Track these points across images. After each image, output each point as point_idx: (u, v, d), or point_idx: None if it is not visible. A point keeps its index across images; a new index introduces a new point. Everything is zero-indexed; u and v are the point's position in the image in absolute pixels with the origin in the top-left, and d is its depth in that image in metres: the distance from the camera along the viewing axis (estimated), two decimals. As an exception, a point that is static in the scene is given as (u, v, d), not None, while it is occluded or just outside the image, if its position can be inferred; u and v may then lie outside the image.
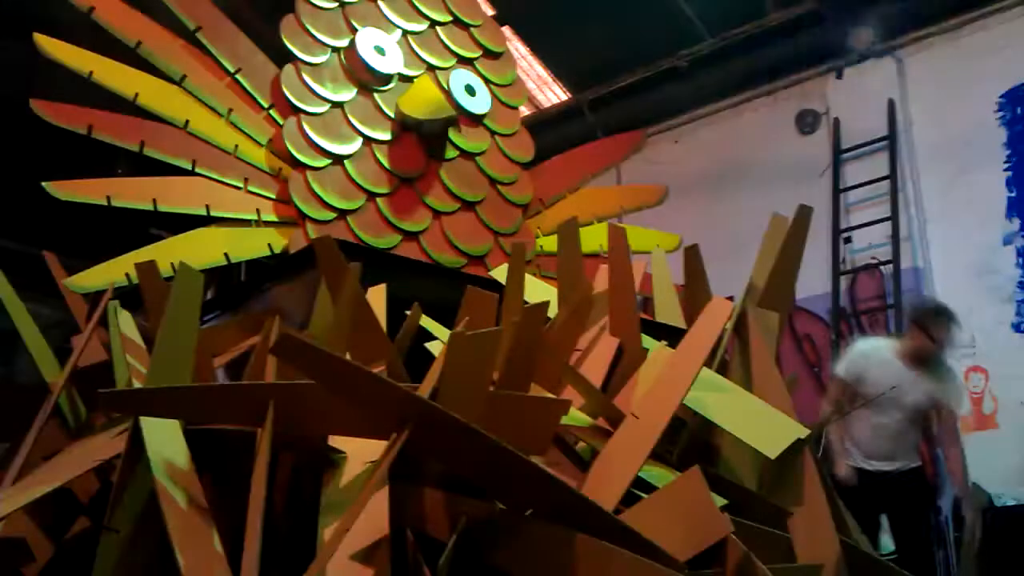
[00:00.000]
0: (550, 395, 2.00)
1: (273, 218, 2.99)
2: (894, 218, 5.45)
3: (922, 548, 3.69)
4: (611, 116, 6.62)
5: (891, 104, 5.67)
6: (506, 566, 1.45)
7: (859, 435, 3.69)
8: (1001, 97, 5.30)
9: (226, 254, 2.83)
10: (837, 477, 3.55)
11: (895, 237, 5.41)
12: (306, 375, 1.45)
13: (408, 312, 2.26)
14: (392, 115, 3.28)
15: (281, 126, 3.08)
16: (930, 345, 3.58)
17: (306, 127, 3.08)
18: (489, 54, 3.70)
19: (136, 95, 2.82)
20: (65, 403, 2.15)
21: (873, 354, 3.71)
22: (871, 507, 3.55)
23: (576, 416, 1.96)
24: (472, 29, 3.68)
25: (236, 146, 3.00)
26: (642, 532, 1.38)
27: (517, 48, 6.56)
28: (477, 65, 3.64)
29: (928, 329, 3.57)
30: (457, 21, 3.65)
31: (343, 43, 3.28)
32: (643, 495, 1.61)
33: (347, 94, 3.22)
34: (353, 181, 3.12)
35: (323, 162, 3.09)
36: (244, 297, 2.88)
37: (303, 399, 1.49)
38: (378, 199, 3.17)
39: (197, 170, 2.89)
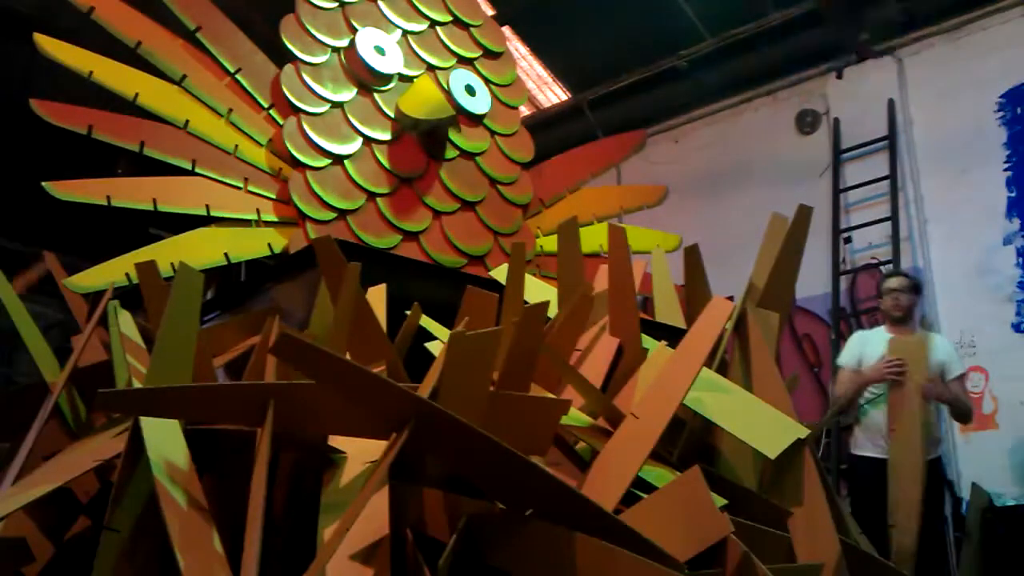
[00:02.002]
0: (550, 395, 2.00)
1: (273, 218, 2.99)
2: (894, 218, 5.44)
3: (936, 543, 3.64)
4: (611, 116, 6.62)
5: (891, 104, 5.66)
6: (506, 566, 1.45)
7: (877, 420, 3.67)
8: (1001, 97, 5.29)
9: (226, 254, 2.83)
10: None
11: (895, 237, 5.40)
12: (306, 375, 1.45)
13: (408, 312, 2.26)
14: (392, 115, 3.28)
15: (281, 126, 3.08)
16: (887, 302, 3.84)
17: (306, 127, 3.08)
18: (489, 54, 3.70)
19: (136, 95, 2.82)
20: (65, 403, 2.15)
21: (870, 336, 3.93)
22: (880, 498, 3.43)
23: (576, 416, 1.96)
24: (472, 29, 3.68)
25: (236, 146, 3.00)
26: (642, 532, 1.38)
27: (517, 48, 6.56)
28: (477, 65, 3.64)
29: (881, 290, 3.92)
30: (457, 21, 3.65)
31: (343, 43, 3.28)
32: (643, 495, 1.61)
33: (347, 94, 3.22)
34: (353, 181, 3.12)
35: (323, 162, 3.09)
36: (244, 297, 2.88)
37: (303, 399, 1.49)
38: (378, 199, 3.17)
39: (197, 170, 2.89)
